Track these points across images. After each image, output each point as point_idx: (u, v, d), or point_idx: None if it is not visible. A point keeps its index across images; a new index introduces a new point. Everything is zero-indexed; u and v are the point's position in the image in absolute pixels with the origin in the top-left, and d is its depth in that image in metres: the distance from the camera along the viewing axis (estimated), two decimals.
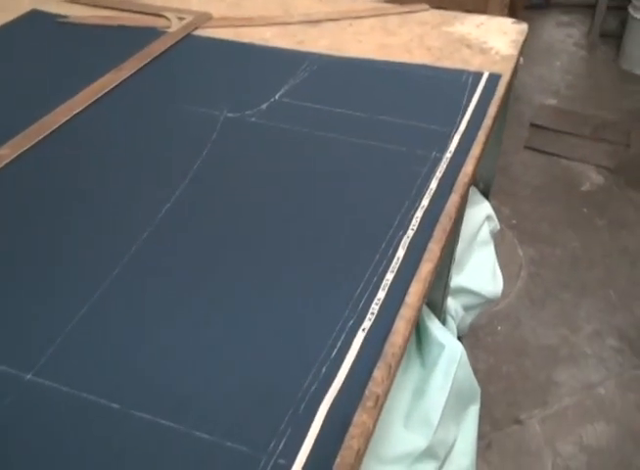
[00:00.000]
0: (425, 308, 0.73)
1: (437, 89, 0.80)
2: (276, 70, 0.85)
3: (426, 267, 0.54)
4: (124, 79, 0.83)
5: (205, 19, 0.98)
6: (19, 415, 0.45)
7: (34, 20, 0.99)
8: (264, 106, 0.78)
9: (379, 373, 0.46)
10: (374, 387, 0.45)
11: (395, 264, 0.55)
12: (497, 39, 0.90)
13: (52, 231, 0.61)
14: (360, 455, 0.42)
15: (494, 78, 0.80)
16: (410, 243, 0.57)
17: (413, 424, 0.67)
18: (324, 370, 0.46)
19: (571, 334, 1.52)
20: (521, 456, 1.28)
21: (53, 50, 0.92)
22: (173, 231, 0.60)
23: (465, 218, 0.78)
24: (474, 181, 0.75)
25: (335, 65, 0.86)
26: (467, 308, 0.94)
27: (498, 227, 1.06)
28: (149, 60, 0.87)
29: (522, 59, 0.92)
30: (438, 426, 0.66)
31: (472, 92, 0.78)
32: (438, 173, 0.65)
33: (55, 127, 0.74)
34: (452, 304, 0.89)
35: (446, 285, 0.80)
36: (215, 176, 0.67)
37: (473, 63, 0.85)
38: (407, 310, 0.51)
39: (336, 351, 0.48)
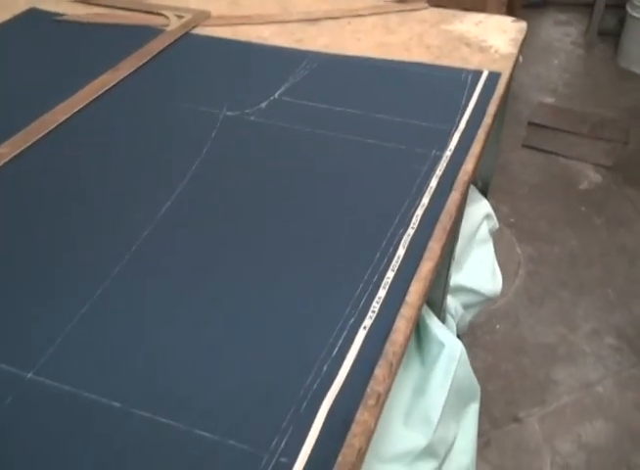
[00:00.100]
0: (424, 307, 0.73)
1: (437, 87, 0.80)
2: (275, 68, 0.85)
3: (426, 266, 0.54)
4: (123, 78, 0.83)
5: (203, 17, 0.98)
6: (19, 414, 0.45)
7: (32, 18, 0.99)
8: (264, 104, 0.77)
9: (380, 371, 0.46)
10: (375, 385, 0.45)
11: (396, 263, 0.55)
12: (496, 38, 0.90)
13: (52, 230, 0.61)
14: (362, 454, 0.42)
15: (494, 77, 0.80)
16: (410, 241, 0.57)
17: (413, 422, 0.67)
18: (325, 369, 0.46)
19: (569, 332, 1.52)
20: (520, 454, 1.29)
21: (51, 49, 0.92)
22: (173, 230, 0.60)
23: (464, 217, 0.78)
24: (473, 180, 0.76)
25: (334, 63, 0.86)
26: (466, 307, 0.94)
27: (497, 226, 1.06)
28: (147, 58, 0.87)
29: (521, 57, 0.92)
30: (438, 424, 0.66)
31: (471, 90, 0.78)
32: (438, 172, 0.65)
33: (54, 126, 0.74)
34: (452, 302, 0.89)
35: (446, 283, 0.80)
36: (215, 175, 0.67)
37: (472, 61, 0.85)
38: (408, 309, 0.51)
39: (337, 349, 0.48)
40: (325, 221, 0.61)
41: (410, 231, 0.58)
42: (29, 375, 0.47)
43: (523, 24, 0.94)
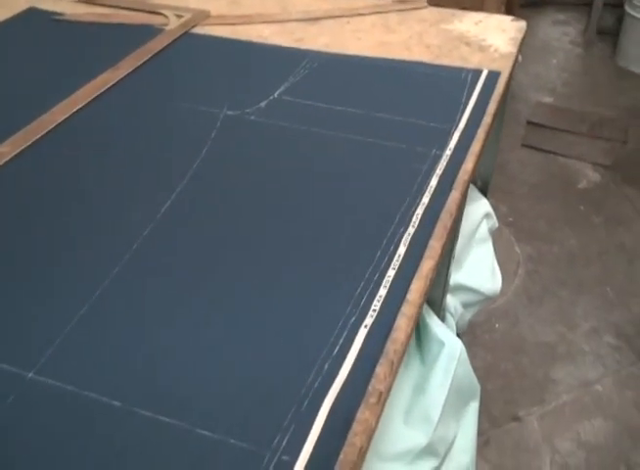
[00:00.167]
0: (424, 306, 0.73)
1: (437, 87, 0.80)
2: (275, 67, 0.85)
3: (427, 264, 0.54)
4: (122, 78, 0.83)
5: (203, 16, 0.98)
6: (21, 414, 0.44)
7: (31, 17, 0.99)
8: (263, 104, 0.77)
9: (381, 370, 0.46)
10: (376, 384, 0.45)
11: (397, 262, 0.55)
12: (496, 37, 0.90)
13: (52, 230, 0.61)
14: (363, 452, 0.42)
15: (493, 76, 0.80)
16: (411, 240, 0.57)
17: (413, 421, 0.67)
18: (326, 367, 0.46)
19: (568, 331, 1.53)
20: (519, 453, 1.29)
21: (50, 48, 0.92)
22: (173, 230, 0.60)
23: (464, 216, 0.78)
24: (472, 179, 0.76)
25: (334, 62, 0.86)
26: (466, 306, 0.94)
27: (497, 225, 1.06)
28: (147, 58, 0.87)
29: (520, 57, 0.92)
30: (439, 423, 0.66)
31: (471, 89, 0.78)
32: (439, 171, 0.65)
33: (53, 126, 0.74)
34: (451, 301, 0.89)
35: (446, 282, 0.81)
36: (215, 175, 0.67)
37: (472, 60, 0.85)
38: (409, 307, 0.51)
39: (338, 348, 0.48)
40: (325, 220, 0.61)
41: (411, 230, 0.58)
42: (30, 375, 0.47)
43: (522, 24, 0.94)
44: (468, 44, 0.89)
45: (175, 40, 0.92)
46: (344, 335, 0.49)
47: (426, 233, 0.58)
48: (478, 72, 0.81)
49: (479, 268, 0.96)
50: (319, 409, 0.44)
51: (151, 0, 1.02)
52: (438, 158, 0.67)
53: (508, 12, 2.00)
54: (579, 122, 2.20)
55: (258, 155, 0.70)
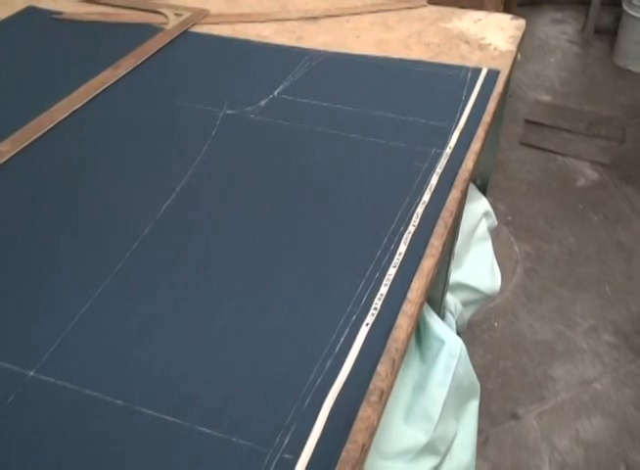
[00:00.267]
0: (424, 304, 0.73)
1: (436, 85, 0.80)
2: (274, 66, 0.85)
3: (428, 263, 0.54)
4: (122, 76, 0.83)
5: (202, 15, 0.97)
6: (22, 412, 0.44)
7: (30, 16, 0.99)
8: (263, 102, 0.77)
9: (383, 368, 0.46)
10: (378, 381, 0.45)
11: (397, 260, 0.55)
12: (495, 35, 0.90)
13: (53, 227, 0.61)
14: (365, 450, 0.42)
15: (493, 74, 0.81)
16: (412, 238, 0.57)
17: (414, 419, 0.67)
18: (328, 365, 0.47)
19: (567, 329, 1.53)
20: (518, 451, 1.29)
21: (50, 47, 0.92)
22: (174, 228, 0.60)
23: (463, 214, 0.78)
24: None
25: (333, 61, 0.86)
26: (465, 304, 0.94)
27: (496, 223, 1.06)
28: (146, 57, 0.87)
29: (519, 55, 0.92)
30: (439, 421, 0.66)
31: (471, 88, 0.78)
32: (439, 169, 0.65)
33: (53, 124, 0.74)
34: (451, 299, 0.89)
35: (446, 281, 0.81)
36: (215, 173, 0.67)
37: (471, 59, 0.85)
38: (410, 306, 0.51)
39: (339, 346, 0.48)
40: (325, 219, 0.61)
41: (411, 228, 0.58)
42: (31, 373, 0.47)
43: (521, 22, 0.94)
44: (467, 42, 0.89)
45: (174, 39, 0.92)
46: (346, 333, 0.49)
47: (426, 231, 0.58)
48: (477, 71, 0.82)
49: (478, 267, 0.96)
50: (321, 407, 0.44)
51: None
52: (438, 156, 0.67)
53: (506, 10, 2.00)
54: (577, 121, 2.20)
55: (258, 153, 0.70)
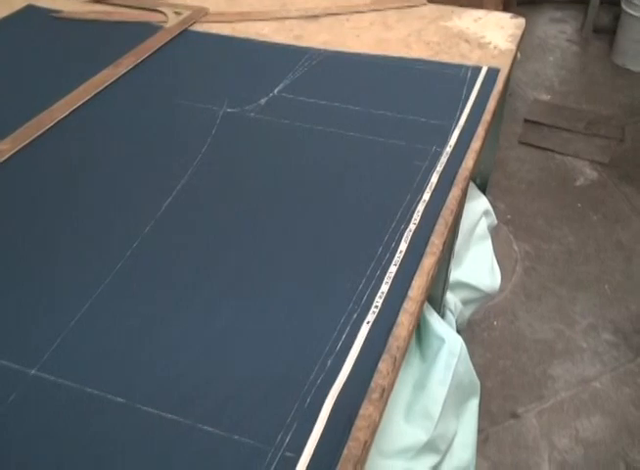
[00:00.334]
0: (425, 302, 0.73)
1: (436, 84, 0.80)
2: (274, 65, 0.85)
3: (428, 260, 0.54)
4: (121, 75, 0.83)
5: (201, 14, 0.97)
6: (24, 410, 0.44)
7: (29, 15, 0.99)
8: (263, 101, 0.77)
9: (384, 366, 0.46)
10: (379, 379, 0.45)
11: (398, 258, 0.55)
12: (495, 34, 0.90)
13: (54, 226, 0.60)
14: (367, 447, 0.42)
15: (493, 72, 0.81)
16: (412, 236, 0.57)
17: (414, 418, 0.67)
18: (329, 363, 0.47)
19: (566, 328, 1.53)
20: (518, 450, 1.29)
21: (50, 46, 0.92)
22: (175, 226, 0.60)
23: (463, 213, 0.78)
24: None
25: (333, 60, 0.86)
26: (465, 303, 0.94)
27: (495, 222, 1.06)
28: (146, 55, 0.87)
29: (519, 54, 0.92)
30: (439, 419, 0.66)
31: (471, 86, 0.78)
32: (439, 167, 0.65)
33: (53, 123, 0.74)
34: (451, 298, 0.89)
35: (446, 279, 0.81)
36: (216, 172, 0.67)
37: (471, 57, 0.85)
38: (411, 303, 0.51)
39: (340, 344, 0.48)
40: (326, 217, 0.61)
41: (412, 226, 0.58)
42: (33, 372, 0.47)
43: (521, 21, 0.94)
44: (467, 41, 0.89)
45: (174, 38, 0.92)
46: (347, 331, 0.49)
47: (427, 229, 0.58)
48: (477, 69, 0.82)
49: (478, 265, 0.96)
50: (322, 406, 0.44)
51: None
52: (439, 155, 0.67)
53: (505, 9, 2.00)
54: (576, 120, 2.20)
55: (259, 152, 0.70)
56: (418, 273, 0.53)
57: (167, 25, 0.94)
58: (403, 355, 0.48)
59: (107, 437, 0.43)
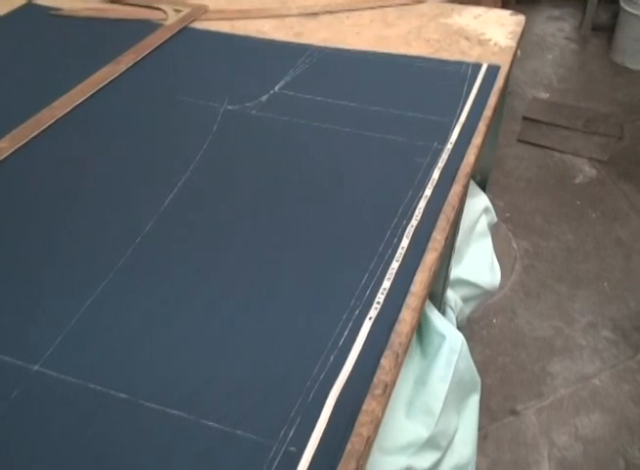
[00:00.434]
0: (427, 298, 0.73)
1: (437, 81, 0.80)
2: (275, 62, 0.85)
3: (430, 256, 0.54)
4: (122, 73, 0.83)
5: (201, 11, 0.97)
6: (27, 406, 0.44)
7: (29, 12, 0.99)
8: (264, 98, 0.77)
9: (386, 361, 0.46)
10: (382, 375, 0.45)
11: (400, 254, 0.55)
12: (495, 31, 0.90)
13: (54, 224, 0.60)
14: (370, 442, 0.42)
15: (493, 69, 0.81)
16: (414, 232, 0.57)
17: (415, 414, 0.67)
18: (332, 359, 0.47)
19: (565, 326, 1.53)
20: (517, 447, 1.29)
21: (49, 43, 0.92)
22: (177, 223, 0.60)
23: (464, 210, 0.78)
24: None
25: (334, 57, 0.86)
26: (465, 300, 0.94)
27: (495, 219, 1.06)
28: (146, 53, 0.87)
29: (519, 51, 0.92)
30: (440, 416, 0.66)
31: (471, 83, 0.78)
32: (440, 164, 0.65)
33: (53, 121, 0.74)
34: (451, 295, 0.89)
35: (446, 276, 0.81)
36: (217, 168, 0.67)
37: (471, 54, 0.85)
38: (413, 299, 0.51)
39: (343, 340, 0.48)
40: (328, 214, 0.61)
41: (414, 222, 0.58)
42: (36, 368, 0.47)
43: (521, 18, 0.94)
44: (467, 38, 0.89)
45: (174, 35, 0.91)
46: (349, 327, 0.49)
47: (428, 225, 0.58)
48: (477, 66, 0.82)
49: (478, 263, 0.96)
50: (325, 401, 0.44)
51: None
52: (440, 151, 0.67)
53: (504, 7, 2.00)
54: (575, 118, 2.20)
55: (260, 149, 0.70)
56: (420, 269, 0.53)
57: (167, 23, 0.94)
58: (405, 351, 0.48)
59: (110, 433, 0.43)
